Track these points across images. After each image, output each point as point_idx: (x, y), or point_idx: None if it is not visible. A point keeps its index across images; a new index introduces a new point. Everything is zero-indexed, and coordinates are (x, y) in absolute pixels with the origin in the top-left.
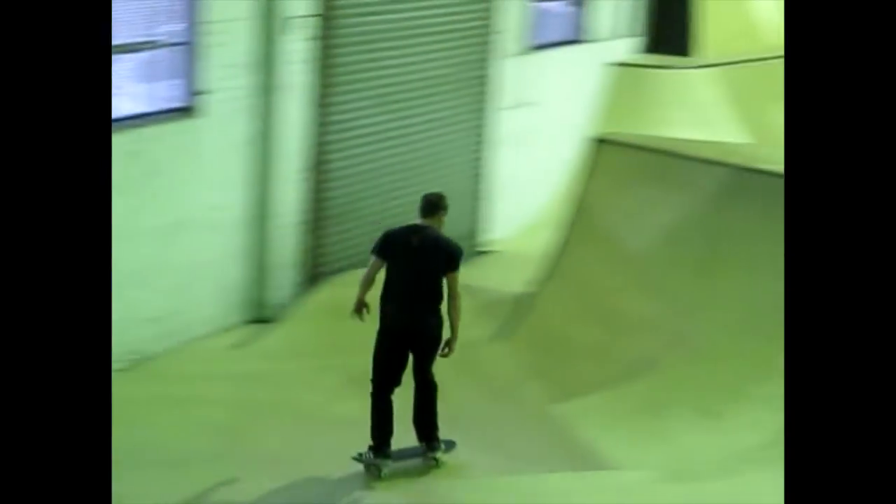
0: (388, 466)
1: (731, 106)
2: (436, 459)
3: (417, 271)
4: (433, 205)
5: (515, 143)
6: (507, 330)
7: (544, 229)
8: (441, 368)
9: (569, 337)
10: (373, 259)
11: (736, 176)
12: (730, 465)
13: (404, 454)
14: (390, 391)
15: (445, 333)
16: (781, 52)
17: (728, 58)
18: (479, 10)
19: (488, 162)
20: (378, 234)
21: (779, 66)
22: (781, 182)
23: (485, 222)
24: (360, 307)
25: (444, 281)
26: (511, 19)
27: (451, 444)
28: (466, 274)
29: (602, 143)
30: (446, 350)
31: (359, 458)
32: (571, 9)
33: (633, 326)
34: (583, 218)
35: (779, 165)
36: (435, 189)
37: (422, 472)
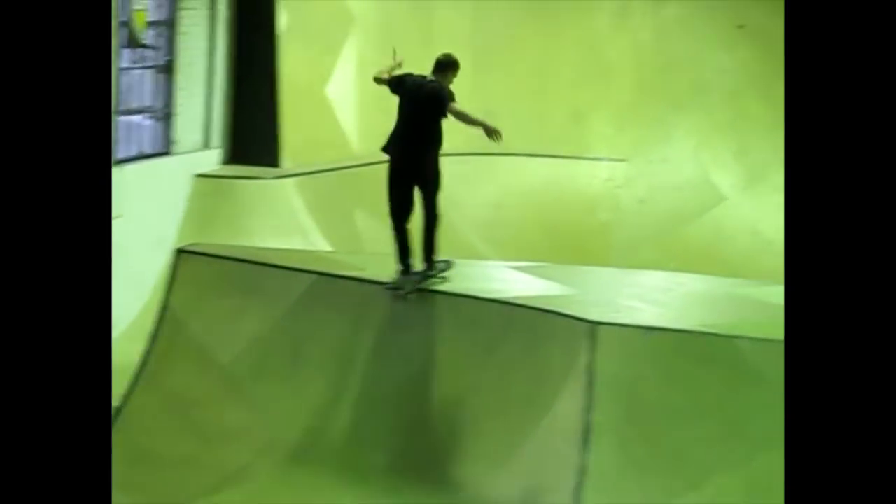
0: (410, 285)
1: (317, 214)
2: (439, 274)
3: (418, 117)
4: (442, 64)
5: None
6: None
7: (134, 342)
8: None
9: (159, 449)
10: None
11: (318, 283)
12: None
13: (417, 276)
14: (404, 222)
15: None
16: (366, 160)
17: (314, 167)
18: None
19: None
20: None
21: (363, 173)
22: (362, 286)
23: None
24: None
25: (452, 115)
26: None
27: (449, 264)
28: None
29: (183, 255)
30: (497, 136)
31: (391, 286)
32: (158, 122)
33: (225, 436)
34: (168, 329)
35: (359, 271)
36: None
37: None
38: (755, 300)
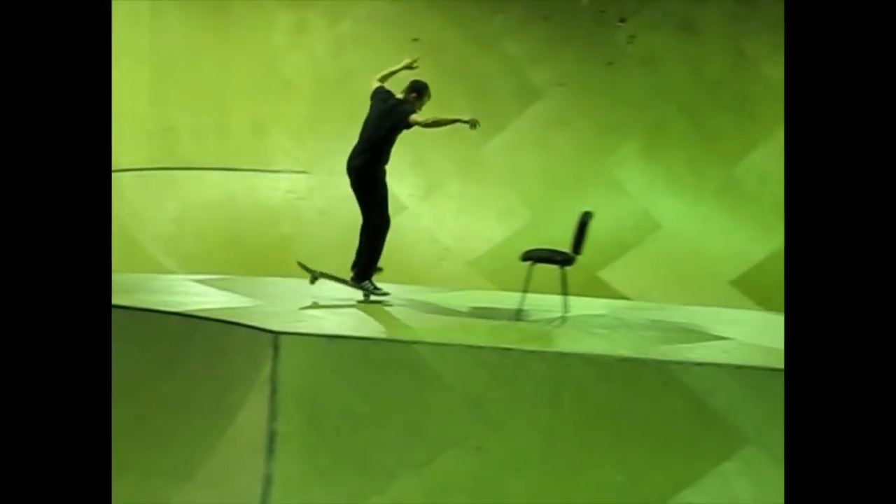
0: (318, 278)
1: None
2: (365, 295)
3: (371, 126)
4: (411, 87)
5: None
6: None
7: None
8: None
9: None
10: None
11: None
12: None
13: (338, 279)
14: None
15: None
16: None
17: None
18: None
19: None
20: None
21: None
22: None
23: None
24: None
25: (421, 126)
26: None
27: (384, 294)
28: None
29: None
30: (476, 125)
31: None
32: None
33: None
34: None
35: None
36: None
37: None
38: (434, 306)
